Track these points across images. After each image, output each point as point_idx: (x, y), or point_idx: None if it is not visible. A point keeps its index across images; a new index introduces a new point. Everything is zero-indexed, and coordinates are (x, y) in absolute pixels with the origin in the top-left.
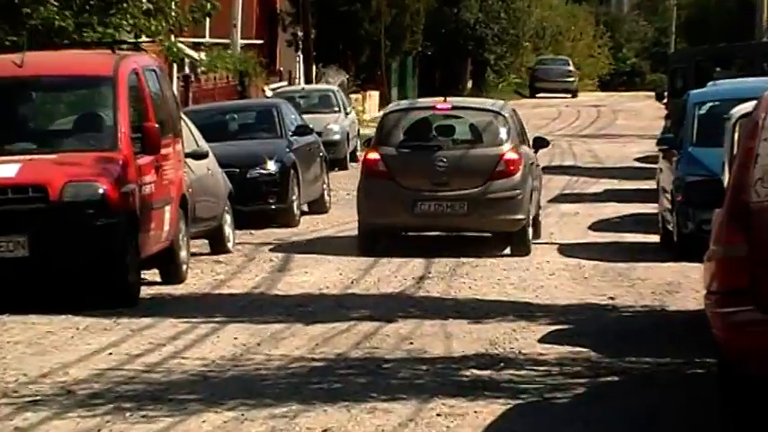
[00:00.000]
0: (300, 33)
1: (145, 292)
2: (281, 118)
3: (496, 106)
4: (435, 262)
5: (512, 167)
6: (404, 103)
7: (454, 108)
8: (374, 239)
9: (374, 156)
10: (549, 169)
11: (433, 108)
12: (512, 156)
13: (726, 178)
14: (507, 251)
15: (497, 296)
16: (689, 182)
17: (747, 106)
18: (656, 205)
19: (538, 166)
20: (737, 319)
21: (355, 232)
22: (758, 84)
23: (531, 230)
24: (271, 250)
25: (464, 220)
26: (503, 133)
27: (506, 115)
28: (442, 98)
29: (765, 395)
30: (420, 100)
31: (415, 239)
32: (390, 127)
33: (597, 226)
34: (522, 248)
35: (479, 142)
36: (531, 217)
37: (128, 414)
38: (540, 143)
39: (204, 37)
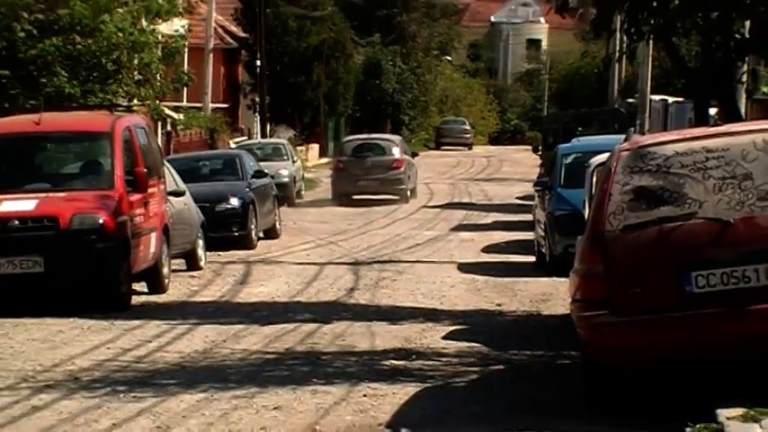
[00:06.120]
0: (257, 99)
1: (135, 300)
2: (242, 164)
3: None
4: (363, 276)
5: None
6: (350, 138)
7: (370, 139)
8: (344, 198)
9: (338, 163)
10: (451, 205)
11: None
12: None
13: (586, 212)
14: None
15: (411, 303)
16: (558, 215)
17: (603, 157)
18: (532, 233)
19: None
20: (596, 322)
21: (301, 255)
22: (611, 140)
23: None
24: (233, 268)
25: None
26: (396, 150)
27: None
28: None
29: (618, 380)
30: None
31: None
32: (343, 144)
33: (488, 249)
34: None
35: (386, 154)
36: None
37: (121, 395)
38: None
39: (182, 101)
